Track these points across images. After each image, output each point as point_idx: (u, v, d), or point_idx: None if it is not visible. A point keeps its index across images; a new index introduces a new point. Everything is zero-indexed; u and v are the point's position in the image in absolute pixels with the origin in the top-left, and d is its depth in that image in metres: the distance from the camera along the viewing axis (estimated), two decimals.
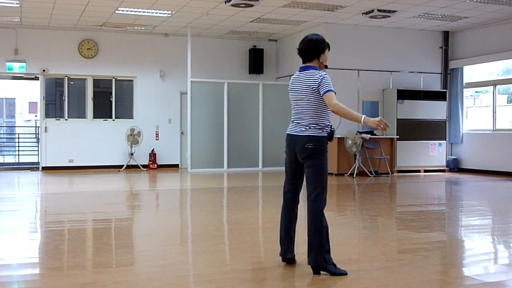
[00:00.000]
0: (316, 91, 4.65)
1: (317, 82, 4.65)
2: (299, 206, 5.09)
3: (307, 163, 4.74)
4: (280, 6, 12.65)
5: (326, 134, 4.71)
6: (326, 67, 4.89)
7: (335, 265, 4.67)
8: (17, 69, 15.12)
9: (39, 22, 14.49)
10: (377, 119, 4.62)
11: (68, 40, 15.46)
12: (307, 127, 4.71)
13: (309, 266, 4.70)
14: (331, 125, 4.77)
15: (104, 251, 5.79)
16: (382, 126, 4.59)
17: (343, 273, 4.65)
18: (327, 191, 4.84)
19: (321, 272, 4.65)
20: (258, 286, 4.58)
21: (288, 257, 4.94)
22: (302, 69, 4.83)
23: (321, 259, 4.64)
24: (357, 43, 14.87)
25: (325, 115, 4.72)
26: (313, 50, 4.81)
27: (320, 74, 4.68)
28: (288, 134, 4.86)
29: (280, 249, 4.99)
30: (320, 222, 4.71)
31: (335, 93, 4.65)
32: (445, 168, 15.36)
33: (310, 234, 4.72)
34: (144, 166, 15.82)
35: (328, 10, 13.05)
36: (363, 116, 4.64)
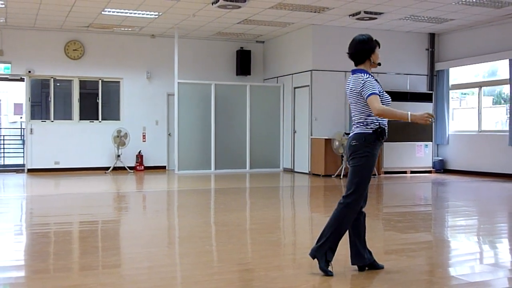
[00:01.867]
0: (360, 95, 4.67)
1: (359, 87, 4.66)
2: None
3: (350, 162, 4.74)
4: (267, 7, 12.67)
5: (372, 131, 4.64)
6: (379, 64, 4.93)
7: (328, 263, 4.70)
8: (2, 70, 15.03)
9: (25, 22, 14.40)
10: (424, 114, 4.58)
11: (54, 41, 15.38)
12: (356, 126, 4.74)
13: (311, 252, 4.77)
14: (380, 123, 4.68)
15: (90, 253, 5.77)
16: (430, 120, 4.60)
17: (329, 274, 4.67)
18: (364, 195, 4.75)
19: (309, 272, 4.71)
20: (243, 285, 4.58)
21: (366, 263, 4.86)
22: (352, 72, 4.86)
23: (321, 253, 4.68)
24: (344, 45, 14.64)
25: (373, 115, 4.66)
26: (362, 52, 4.84)
27: (363, 79, 4.67)
28: None
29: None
30: (340, 222, 4.68)
31: (379, 95, 4.63)
32: (432, 169, 15.45)
33: (326, 227, 4.72)
34: (131, 168, 15.76)
35: (315, 12, 13.09)
36: (409, 113, 4.59)
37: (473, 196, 11.26)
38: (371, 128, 4.65)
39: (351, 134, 4.79)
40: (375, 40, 4.91)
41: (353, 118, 4.82)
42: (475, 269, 5.33)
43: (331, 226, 4.70)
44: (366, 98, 4.61)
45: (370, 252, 4.89)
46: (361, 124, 4.69)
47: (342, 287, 4.50)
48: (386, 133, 4.73)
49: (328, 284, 4.54)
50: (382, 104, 4.66)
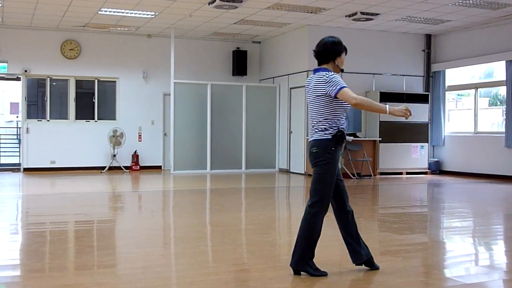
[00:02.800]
0: (323, 95, 4.57)
1: (324, 85, 4.56)
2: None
3: (313, 169, 4.70)
4: (263, 8, 12.67)
5: (331, 137, 4.58)
6: (342, 70, 4.82)
7: (317, 269, 4.69)
8: None
9: (21, 22, 14.37)
10: (403, 108, 4.57)
11: (51, 41, 15.35)
12: (315, 131, 4.68)
13: (292, 267, 4.71)
14: (338, 127, 4.60)
15: (86, 253, 5.76)
16: (408, 114, 4.57)
17: (323, 274, 4.67)
18: (329, 201, 4.73)
19: (301, 272, 4.69)
20: (238, 285, 4.58)
21: (364, 260, 4.84)
22: (315, 71, 4.77)
23: (303, 264, 4.65)
24: None
25: (333, 117, 4.60)
26: (329, 52, 4.75)
27: (328, 76, 4.58)
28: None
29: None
30: (310, 231, 4.64)
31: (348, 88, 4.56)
32: (427, 170, 15.47)
33: (298, 237, 4.68)
34: (126, 167, 15.74)
35: (311, 12, 13.09)
36: (387, 106, 4.57)
37: (468, 198, 11.28)
38: (330, 133, 4.58)
39: (310, 140, 4.71)
40: (344, 46, 4.83)
41: (311, 121, 4.75)
42: (470, 270, 5.33)
43: (303, 237, 4.64)
44: (337, 93, 4.50)
45: (367, 247, 4.88)
46: (320, 129, 4.62)
47: None
48: (346, 136, 4.68)
49: (324, 285, 4.54)
50: (344, 108, 4.62)
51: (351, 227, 4.87)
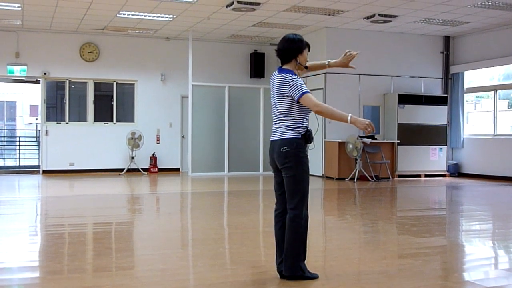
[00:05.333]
0: (287, 97, 4.50)
1: (287, 88, 4.48)
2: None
3: (284, 171, 4.56)
4: (281, 10, 12.67)
5: (300, 136, 4.51)
6: (306, 68, 4.74)
7: (309, 272, 4.62)
8: (18, 72, 15.12)
9: (41, 25, 14.51)
10: (366, 121, 4.42)
11: (70, 44, 15.48)
12: (281, 130, 4.56)
13: (285, 275, 4.58)
14: (306, 126, 4.56)
15: (104, 254, 5.79)
16: (369, 129, 4.42)
17: (315, 277, 4.61)
18: (308, 198, 4.64)
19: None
20: None
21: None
22: (278, 71, 4.66)
23: (297, 268, 4.54)
24: (358, 47, 14.72)
25: (299, 117, 4.53)
26: (290, 50, 4.61)
27: (290, 79, 4.49)
28: (270, 141, 4.73)
29: (276, 261, 4.81)
30: (297, 233, 4.54)
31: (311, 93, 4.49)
32: (446, 173, 15.35)
33: (287, 243, 4.55)
34: (144, 169, 15.81)
35: (329, 14, 13.07)
36: (350, 115, 4.41)
37: (488, 201, 11.17)
38: (299, 132, 4.51)
39: (277, 139, 4.57)
40: (306, 42, 4.69)
41: (276, 120, 4.63)
42: (490, 274, 5.28)
43: (293, 242, 4.53)
44: (299, 98, 4.43)
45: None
46: (287, 128, 4.52)
47: None
48: (313, 137, 4.59)
49: (343, 286, 4.52)
50: (307, 110, 4.55)
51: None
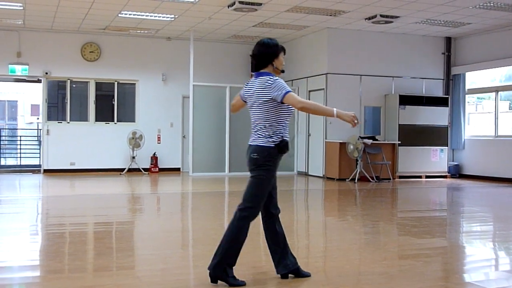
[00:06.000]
0: (269, 101, 4.45)
1: (270, 90, 4.43)
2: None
3: (251, 173, 4.55)
4: (282, 11, 12.67)
5: (274, 145, 4.46)
6: (282, 71, 4.69)
7: (234, 277, 4.49)
8: (20, 72, 15.14)
9: (42, 25, 14.52)
10: (351, 113, 4.44)
11: (71, 43, 15.49)
12: (258, 136, 4.53)
13: (209, 273, 4.51)
14: (283, 136, 4.50)
15: (105, 254, 5.80)
16: (356, 121, 4.44)
17: (242, 284, 4.48)
18: (259, 206, 4.55)
19: (219, 282, 4.50)
20: None
21: (291, 269, 4.70)
22: (256, 76, 4.60)
23: (220, 270, 4.45)
24: (360, 48, 14.88)
25: (279, 121, 4.49)
26: (266, 55, 4.58)
27: (272, 81, 4.46)
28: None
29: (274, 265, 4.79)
30: (236, 235, 4.47)
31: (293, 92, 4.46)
32: (447, 174, 15.35)
33: (222, 240, 4.50)
34: (145, 169, 15.82)
35: (330, 15, 13.07)
36: (335, 109, 4.41)
37: (489, 202, 11.17)
38: (273, 141, 4.46)
39: (252, 144, 4.55)
40: (281, 46, 4.65)
41: (254, 124, 4.58)
42: (490, 275, 5.28)
43: (228, 241, 4.46)
44: (282, 98, 4.37)
45: (294, 257, 4.73)
46: (263, 135, 4.48)
47: None
48: (289, 146, 4.55)
49: (344, 287, 4.53)
50: (288, 113, 4.53)
51: (279, 236, 4.68)
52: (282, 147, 4.47)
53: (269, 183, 4.53)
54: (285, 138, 4.51)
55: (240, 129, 15.66)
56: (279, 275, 4.69)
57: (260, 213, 4.67)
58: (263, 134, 4.48)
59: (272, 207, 4.69)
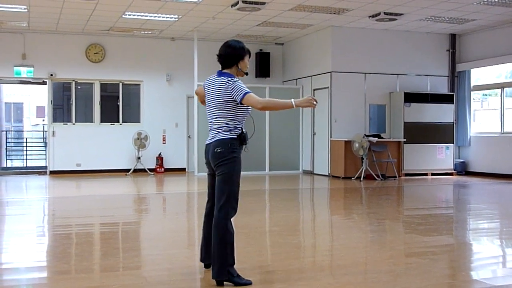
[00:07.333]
0: (228, 101, 4.52)
1: (229, 91, 4.50)
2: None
3: (217, 171, 4.57)
4: (286, 9, 12.66)
5: (236, 136, 4.56)
6: (246, 74, 4.76)
7: (239, 276, 4.52)
8: (25, 74, 15.18)
9: (47, 26, 14.55)
10: (307, 97, 4.52)
11: (76, 45, 15.52)
12: (217, 132, 4.59)
13: (214, 278, 4.50)
14: (242, 128, 4.61)
15: (111, 254, 5.81)
16: (314, 103, 4.51)
17: (248, 283, 4.49)
18: (237, 201, 4.59)
19: (225, 283, 4.49)
20: (264, 287, 4.59)
21: (208, 263, 4.77)
22: (218, 74, 4.68)
23: (224, 273, 4.46)
24: (364, 46, 14.85)
25: (237, 120, 4.58)
26: (231, 56, 4.64)
27: (232, 82, 4.52)
28: (205, 144, 4.75)
29: (200, 255, 4.91)
30: (223, 236, 4.47)
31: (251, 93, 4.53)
32: (453, 171, 15.30)
33: (213, 246, 4.50)
34: (151, 170, 15.84)
35: (334, 13, 13.05)
36: (292, 100, 4.53)
37: (495, 199, 11.14)
38: (235, 133, 4.55)
39: (212, 141, 4.61)
40: (247, 49, 4.72)
41: (213, 122, 4.64)
42: (497, 272, 5.27)
43: (220, 245, 4.47)
44: (241, 99, 4.47)
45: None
46: (224, 129, 4.56)
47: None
48: (248, 139, 4.64)
49: (351, 286, 4.52)
50: (246, 113, 4.62)
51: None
52: (243, 138, 4.58)
53: (239, 175, 4.60)
54: (244, 130, 4.63)
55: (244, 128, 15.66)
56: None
57: (206, 208, 4.82)
58: (223, 129, 4.56)
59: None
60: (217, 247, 4.48)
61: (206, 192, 4.87)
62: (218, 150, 4.54)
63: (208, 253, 4.75)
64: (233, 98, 4.50)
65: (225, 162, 4.52)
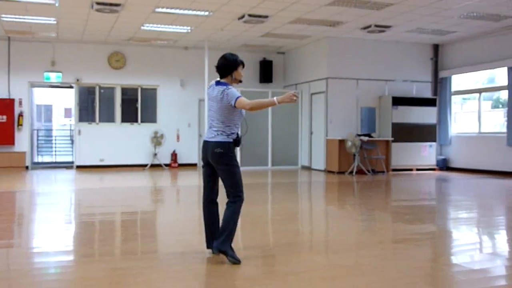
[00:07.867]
0: (225, 106, 4.69)
1: (224, 99, 4.68)
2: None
3: (218, 167, 4.79)
4: (287, 22, 12.64)
5: (232, 140, 4.75)
6: (240, 81, 4.93)
7: (233, 251, 4.70)
8: (54, 79, 15.22)
9: (74, 37, 14.57)
10: (288, 93, 4.60)
11: (99, 53, 15.54)
12: (216, 134, 4.76)
13: (216, 248, 4.73)
14: (237, 133, 4.81)
15: (131, 240, 5.82)
16: (295, 98, 4.58)
17: (239, 261, 4.63)
18: (242, 187, 4.86)
19: (221, 254, 4.73)
20: (267, 269, 4.59)
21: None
22: (216, 83, 4.86)
23: (226, 245, 4.67)
24: (356, 55, 14.82)
25: (233, 122, 4.76)
26: (226, 67, 4.84)
27: (226, 89, 4.71)
28: (203, 141, 4.90)
29: (206, 243, 4.98)
30: (233, 215, 4.75)
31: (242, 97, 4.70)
32: (435, 167, 15.27)
33: (225, 222, 4.74)
34: (166, 165, 15.86)
35: (330, 25, 13.03)
36: (275, 98, 4.63)
37: (473, 192, 11.11)
38: (231, 137, 4.74)
39: (211, 141, 4.77)
40: (241, 61, 4.91)
41: (212, 124, 4.81)
42: (475, 257, 5.26)
43: (228, 221, 4.72)
44: (235, 103, 4.64)
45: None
46: (223, 133, 4.73)
47: (357, 272, 4.46)
48: (241, 142, 4.86)
49: (343, 268, 4.52)
50: (240, 116, 4.79)
51: (216, 218, 4.99)
52: (237, 141, 4.80)
53: (238, 167, 4.84)
54: (238, 134, 4.83)
55: (249, 127, 15.60)
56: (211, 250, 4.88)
57: (204, 198, 5.05)
58: (222, 133, 4.74)
59: (214, 194, 5.01)
60: (225, 224, 4.72)
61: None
62: (218, 151, 4.74)
63: (213, 239, 4.85)
64: (228, 103, 4.67)
65: (224, 161, 4.74)
